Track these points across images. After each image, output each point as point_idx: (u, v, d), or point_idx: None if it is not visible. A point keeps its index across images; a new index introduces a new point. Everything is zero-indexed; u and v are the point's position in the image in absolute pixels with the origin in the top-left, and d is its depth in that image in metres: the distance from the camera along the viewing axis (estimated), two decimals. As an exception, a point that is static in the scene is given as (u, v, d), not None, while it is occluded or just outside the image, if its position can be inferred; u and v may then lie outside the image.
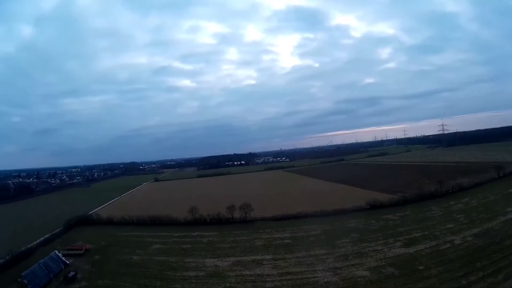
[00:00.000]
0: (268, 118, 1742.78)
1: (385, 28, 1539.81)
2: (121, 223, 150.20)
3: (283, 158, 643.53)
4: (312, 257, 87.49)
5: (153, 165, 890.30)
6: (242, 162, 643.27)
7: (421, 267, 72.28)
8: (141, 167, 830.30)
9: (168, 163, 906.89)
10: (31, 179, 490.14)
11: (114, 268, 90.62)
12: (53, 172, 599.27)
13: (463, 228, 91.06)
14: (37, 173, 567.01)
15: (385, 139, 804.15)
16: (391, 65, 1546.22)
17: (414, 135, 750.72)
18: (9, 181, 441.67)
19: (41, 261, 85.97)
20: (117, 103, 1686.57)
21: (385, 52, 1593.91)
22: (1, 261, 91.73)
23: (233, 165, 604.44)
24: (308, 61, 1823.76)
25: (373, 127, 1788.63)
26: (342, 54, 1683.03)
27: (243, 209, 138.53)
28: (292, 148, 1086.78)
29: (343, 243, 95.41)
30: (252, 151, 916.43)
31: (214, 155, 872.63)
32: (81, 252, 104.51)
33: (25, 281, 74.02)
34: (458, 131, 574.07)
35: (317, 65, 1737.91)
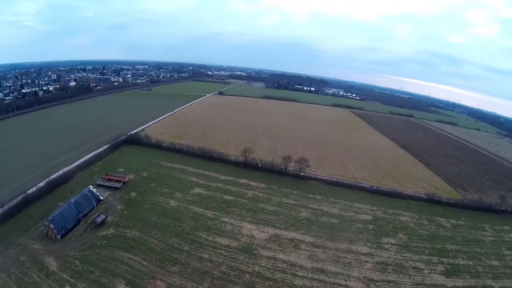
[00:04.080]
0: (347, 48, 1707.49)
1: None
2: (170, 149, 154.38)
3: (353, 95, 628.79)
4: (352, 254, 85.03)
5: (223, 72, 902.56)
6: (312, 89, 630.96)
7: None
8: (210, 72, 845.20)
9: (238, 73, 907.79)
10: (94, 75, 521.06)
11: (146, 215, 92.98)
12: (119, 68, 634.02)
13: (505, 273, 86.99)
14: (103, 67, 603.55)
15: (457, 103, 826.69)
16: (483, 30, 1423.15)
17: (486, 109, 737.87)
18: (73, 75, 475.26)
19: (72, 200, 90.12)
20: (195, 5, 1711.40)
21: (480, 15, 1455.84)
22: (33, 190, 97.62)
23: (302, 90, 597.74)
24: (401, 1, 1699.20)
25: (447, 86, 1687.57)
26: (435, 3, 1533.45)
27: (299, 163, 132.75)
28: (364, 83, 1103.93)
29: (388, 244, 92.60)
30: (325, 76, 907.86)
31: (286, 72, 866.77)
32: (118, 186, 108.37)
33: (52, 226, 78.00)
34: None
35: (408, 8, 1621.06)
